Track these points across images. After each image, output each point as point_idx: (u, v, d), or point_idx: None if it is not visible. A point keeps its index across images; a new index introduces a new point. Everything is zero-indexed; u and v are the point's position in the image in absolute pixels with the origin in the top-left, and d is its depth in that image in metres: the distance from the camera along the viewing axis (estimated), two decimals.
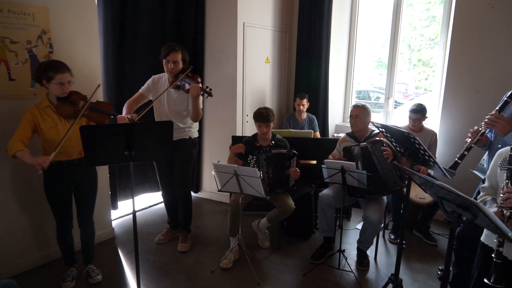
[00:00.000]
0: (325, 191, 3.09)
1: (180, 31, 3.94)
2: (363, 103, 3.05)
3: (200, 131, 4.30)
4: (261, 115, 3.03)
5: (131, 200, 2.98)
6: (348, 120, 3.07)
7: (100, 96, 3.10)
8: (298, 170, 3.03)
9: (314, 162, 3.67)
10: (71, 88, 2.51)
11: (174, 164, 3.15)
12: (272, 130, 3.81)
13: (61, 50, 2.86)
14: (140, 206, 4.13)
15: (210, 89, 2.78)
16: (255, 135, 3.17)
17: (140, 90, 3.12)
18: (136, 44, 3.62)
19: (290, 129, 3.96)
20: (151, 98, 3.09)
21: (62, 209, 2.60)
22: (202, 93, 2.73)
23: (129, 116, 2.71)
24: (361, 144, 2.86)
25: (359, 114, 2.99)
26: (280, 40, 4.69)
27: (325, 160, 2.75)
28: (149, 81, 3.13)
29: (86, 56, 3.03)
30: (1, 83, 2.59)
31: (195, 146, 3.19)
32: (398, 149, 2.23)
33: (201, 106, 3.00)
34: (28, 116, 2.41)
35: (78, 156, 2.58)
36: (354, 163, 2.63)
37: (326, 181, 2.79)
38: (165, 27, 3.83)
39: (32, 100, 2.65)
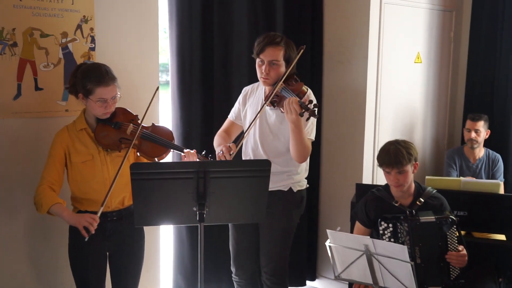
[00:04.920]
0: None
1: (293, 17, 4.02)
2: None
3: (316, 177, 4.29)
4: (387, 155, 2.91)
5: None
6: None
7: (167, 119, 3.22)
8: (463, 251, 2.83)
9: (502, 237, 3.49)
10: (118, 103, 2.67)
11: (261, 230, 3.15)
12: (428, 177, 3.67)
13: (107, 47, 3.10)
14: None
15: (315, 105, 2.71)
16: (389, 187, 3.07)
17: (229, 116, 3.22)
18: (229, 41, 3.74)
19: (460, 177, 3.81)
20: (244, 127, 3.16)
21: (92, 286, 2.72)
22: (302, 111, 2.70)
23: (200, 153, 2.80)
24: None
25: None
26: (442, 24, 4.63)
27: None
28: (240, 97, 3.21)
29: (141, 56, 3.23)
30: (26, 94, 2.87)
31: (298, 205, 3.16)
32: None
33: (310, 137, 2.98)
34: (57, 148, 2.61)
35: (119, 207, 2.71)
36: None
37: None
38: (272, 10, 3.92)
39: (63, 119, 2.88)
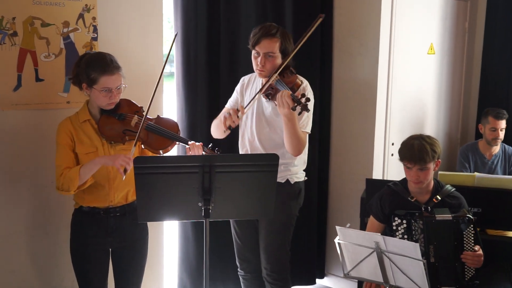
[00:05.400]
0: None
1: (302, 8, 3.99)
2: None
3: (325, 172, 4.30)
4: (410, 150, 2.89)
5: None
6: None
7: (171, 110, 3.20)
8: (480, 251, 2.81)
9: None
10: (122, 95, 2.65)
11: (260, 224, 3.15)
12: (441, 172, 3.65)
13: (109, 37, 3.08)
14: None
15: (307, 99, 2.70)
16: (406, 182, 3.04)
17: (227, 105, 3.22)
18: (236, 31, 3.71)
19: (474, 173, 3.79)
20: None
21: (93, 283, 2.72)
22: (294, 105, 2.69)
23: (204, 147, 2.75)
24: None
25: None
26: (456, 14, 4.63)
27: None
28: (238, 86, 3.22)
29: (145, 46, 3.22)
30: (26, 85, 2.84)
31: (296, 196, 3.16)
32: None
33: (306, 129, 2.98)
34: (63, 136, 2.59)
35: (123, 202, 2.70)
36: None
37: None
38: (281, 0, 3.89)
39: (64, 111, 2.87)
